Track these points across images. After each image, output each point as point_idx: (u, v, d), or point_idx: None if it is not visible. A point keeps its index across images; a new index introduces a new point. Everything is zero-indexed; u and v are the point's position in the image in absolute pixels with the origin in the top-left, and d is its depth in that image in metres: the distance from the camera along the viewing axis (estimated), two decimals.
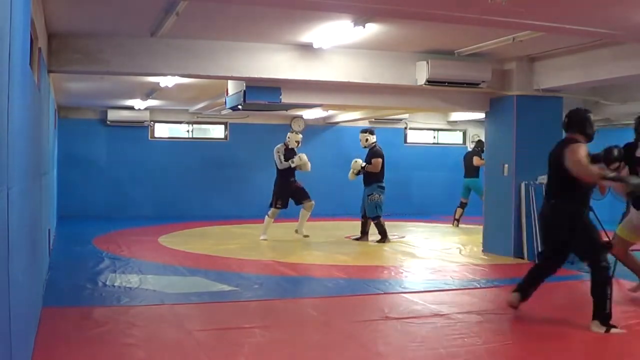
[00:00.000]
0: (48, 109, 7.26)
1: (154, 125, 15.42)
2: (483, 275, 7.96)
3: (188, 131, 16.06)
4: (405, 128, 16.67)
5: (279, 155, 10.90)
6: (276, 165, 10.97)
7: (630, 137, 6.57)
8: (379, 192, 10.56)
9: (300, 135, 11.31)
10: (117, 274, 7.59)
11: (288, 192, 10.85)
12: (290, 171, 10.90)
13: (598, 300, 5.11)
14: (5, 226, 2.49)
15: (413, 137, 16.94)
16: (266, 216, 10.91)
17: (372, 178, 10.59)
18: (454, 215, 13.17)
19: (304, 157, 10.87)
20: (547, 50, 8.30)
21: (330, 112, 14.25)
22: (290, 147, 11.02)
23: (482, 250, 9.70)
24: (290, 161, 10.79)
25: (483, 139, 11.64)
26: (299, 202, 10.94)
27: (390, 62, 8.52)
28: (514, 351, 4.77)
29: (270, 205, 10.87)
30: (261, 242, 10.59)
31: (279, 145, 11.06)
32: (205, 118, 15.33)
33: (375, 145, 10.75)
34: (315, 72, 8.27)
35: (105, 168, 14.90)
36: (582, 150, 5.30)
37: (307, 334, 5.27)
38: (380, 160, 10.57)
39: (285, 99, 8.99)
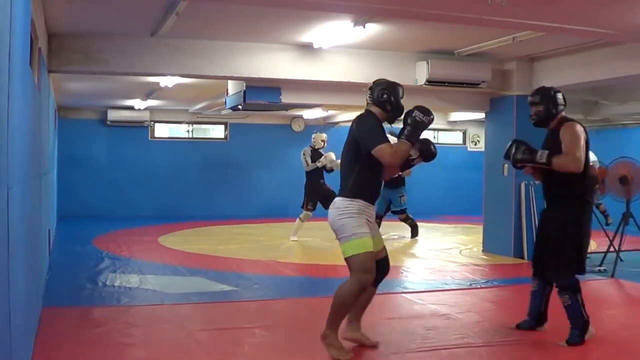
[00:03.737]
0: (48, 109, 7.26)
1: (154, 125, 15.42)
2: (483, 275, 7.96)
3: (188, 131, 16.07)
4: None
5: (305, 158, 10.79)
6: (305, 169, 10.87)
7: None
8: (405, 192, 10.89)
9: (325, 135, 11.11)
10: (117, 274, 7.59)
11: (318, 194, 10.71)
12: (319, 173, 10.76)
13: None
14: (5, 226, 2.49)
15: None
16: (297, 219, 10.74)
17: (400, 181, 10.60)
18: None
19: (331, 155, 10.71)
20: (547, 50, 8.30)
21: (330, 112, 14.26)
22: (317, 148, 10.88)
23: (482, 250, 9.70)
24: (317, 162, 10.71)
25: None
26: (327, 207, 10.84)
27: (390, 62, 8.51)
28: (514, 351, 4.76)
29: (302, 207, 10.75)
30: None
31: (305, 148, 10.92)
32: (205, 118, 15.34)
33: None
34: (315, 72, 8.26)
35: (105, 168, 14.91)
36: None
37: (307, 334, 5.27)
38: None
39: (285, 99, 8.98)
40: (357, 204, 4.44)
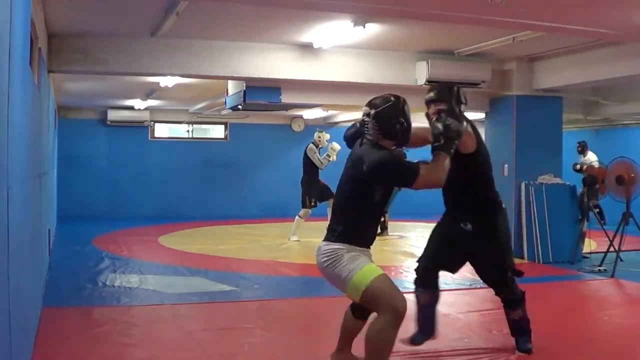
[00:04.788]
0: (48, 109, 7.26)
1: (154, 125, 15.42)
2: None
3: (188, 131, 16.07)
4: None
5: (318, 156, 10.74)
6: (304, 166, 10.77)
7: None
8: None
9: (329, 135, 11.16)
10: (117, 274, 7.59)
11: (318, 190, 10.64)
12: (316, 169, 10.74)
13: None
14: (5, 226, 2.48)
15: None
16: (297, 216, 10.63)
17: None
18: None
19: (337, 145, 10.63)
20: (547, 50, 8.30)
21: (330, 112, 14.26)
22: (320, 147, 10.87)
23: None
24: (329, 158, 10.70)
25: None
26: (324, 199, 10.66)
27: (390, 62, 8.52)
28: (513, 351, 4.76)
29: (303, 206, 10.62)
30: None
31: (311, 146, 10.82)
32: (205, 118, 15.34)
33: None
34: (315, 72, 8.26)
35: (105, 168, 14.91)
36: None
37: (307, 334, 5.27)
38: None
39: (285, 99, 8.98)
40: (358, 249, 3.71)
